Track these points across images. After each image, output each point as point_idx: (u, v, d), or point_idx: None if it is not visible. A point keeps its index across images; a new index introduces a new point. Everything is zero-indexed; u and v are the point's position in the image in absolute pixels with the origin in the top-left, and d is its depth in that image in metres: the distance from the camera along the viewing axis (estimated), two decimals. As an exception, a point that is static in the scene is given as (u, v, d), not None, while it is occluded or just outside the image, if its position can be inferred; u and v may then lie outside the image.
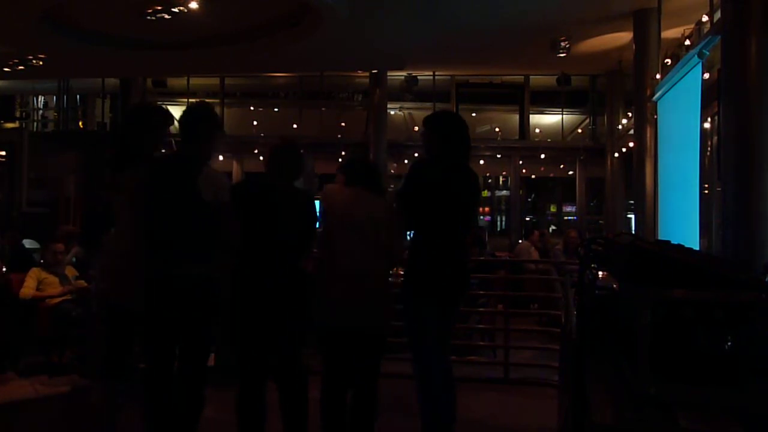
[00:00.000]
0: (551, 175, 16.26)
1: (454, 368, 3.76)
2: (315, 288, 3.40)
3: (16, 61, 10.53)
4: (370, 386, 3.34)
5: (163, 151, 3.77)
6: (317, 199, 3.56)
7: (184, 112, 3.46)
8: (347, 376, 3.32)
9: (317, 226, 3.51)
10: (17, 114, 17.43)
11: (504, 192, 15.80)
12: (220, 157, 13.74)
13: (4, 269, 6.73)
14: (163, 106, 3.83)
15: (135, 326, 3.33)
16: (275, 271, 3.27)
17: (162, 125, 3.61)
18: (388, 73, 13.65)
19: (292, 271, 3.32)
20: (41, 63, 10.52)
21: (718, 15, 6.70)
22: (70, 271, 6.23)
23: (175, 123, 3.60)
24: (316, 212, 3.43)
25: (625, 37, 10.65)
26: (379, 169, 3.68)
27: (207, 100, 15.82)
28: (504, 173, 15.09)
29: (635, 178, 9.86)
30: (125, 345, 3.47)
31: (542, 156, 14.47)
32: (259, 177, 3.53)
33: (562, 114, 14.92)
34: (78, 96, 16.61)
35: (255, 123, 16.39)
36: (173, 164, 3.31)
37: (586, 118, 15.26)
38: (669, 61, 8.65)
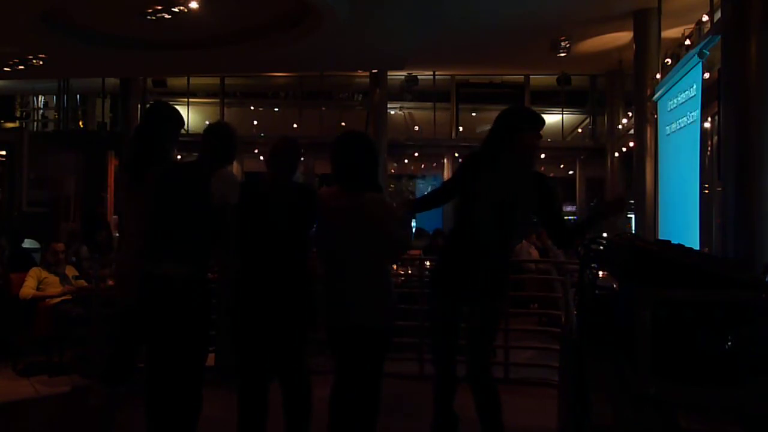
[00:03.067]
0: (551, 175, 16.24)
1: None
2: (320, 287, 3.40)
3: (16, 61, 10.53)
4: (373, 386, 3.33)
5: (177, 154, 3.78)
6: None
7: (216, 130, 3.47)
8: (349, 375, 3.31)
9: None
10: (17, 114, 17.44)
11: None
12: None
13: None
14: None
15: (144, 328, 3.33)
16: (278, 270, 3.27)
17: (179, 126, 3.64)
18: (388, 73, 13.66)
19: (295, 270, 3.31)
20: (41, 63, 10.52)
21: (718, 15, 6.71)
22: (70, 271, 6.23)
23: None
24: (316, 207, 3.41)
25: (625, 37, 10.66)
26: (353, 161, 3.27)
27: (207, 101, 15.87)
28: (504, 173, 15.08)
29: (635, 178, 9.86)
30: (132, 348, 3.47)
31: (542, 156, 14.47)
32: (258, 176, 3.54)
33: (562, 114, 14.92)
34: (78, 96, 16.61)
35: (255, 123, 16.40)
36: (187, 168, 3.32)
37: (586, 118, 15.27)
38: (669, 61, 8.65)
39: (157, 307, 3.15)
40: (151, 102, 15.06)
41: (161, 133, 3.55)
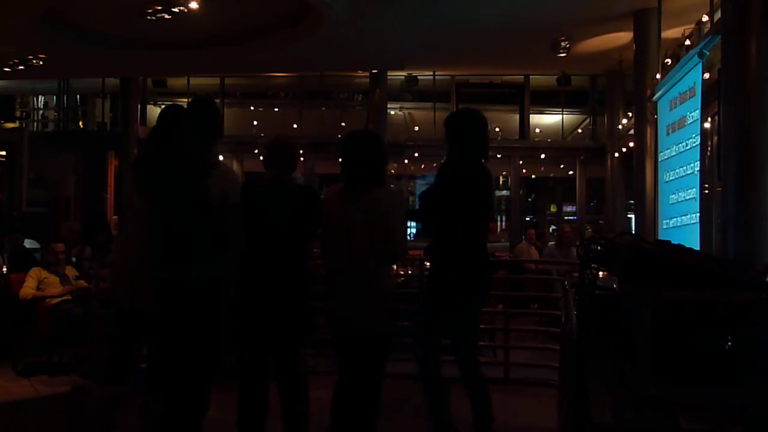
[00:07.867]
0: (551, 175, 16.26)
1: (454, 368, 3.76)
2: (321, 289, 3.40)
3: (16, 61, 10.52)
4: (373, 388, 3.33)
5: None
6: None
7: (195, 106, 3.43)
8: (352, 377, 3.31)
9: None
10: (17, 114, 17.43)
11: (504, 192, 15.80)
12: (221, 157, 13.74)
13: (4, 269, 6.75)
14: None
15: (143, 329, 3.33)
16: (277, 271, 3.26)
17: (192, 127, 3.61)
18: (388, 73, 13.65)
19: (294, 270, 3.31)
20: (41, 63, 10.51)
21: (718, 15, 6.71)
22: (70, 271, 6.24)
23: None
24: (318, 208, 3.40)
25: (625, 37, 10.66)
26: (356, 159, 3.30)
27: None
28: (504, 173, 15.08)
29: (635, 178, 9.87)
30: (131, 349, 3.47)
31: (542, 156, 14.46)
32: (259, 177, 3.53)
33: (562, 114, 14.92)
34: (78, 96, 16.60)
35: (255, 123, 16.39)
36: (184, 166, 3.30)
37: (586, 118, 15.26)
38: (669, 61, 8.66)
39: (170, 310, 3.14)
40: (151, 102, 15.10)
41: (172, 134, 3.51)
